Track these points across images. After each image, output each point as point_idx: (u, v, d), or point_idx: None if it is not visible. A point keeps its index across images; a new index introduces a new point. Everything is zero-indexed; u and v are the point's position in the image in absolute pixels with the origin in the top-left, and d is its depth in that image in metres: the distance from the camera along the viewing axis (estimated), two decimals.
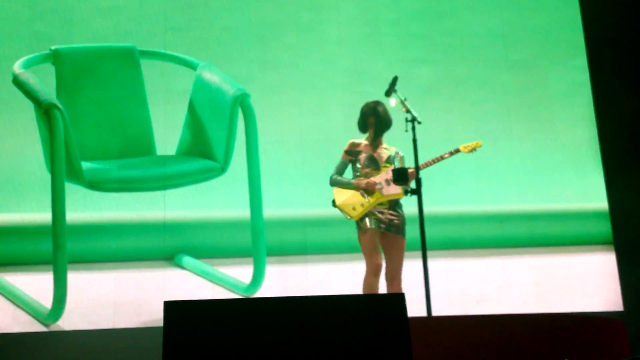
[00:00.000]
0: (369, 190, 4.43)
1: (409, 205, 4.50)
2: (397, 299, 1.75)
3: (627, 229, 5.29)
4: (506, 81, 5.54)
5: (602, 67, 5.51)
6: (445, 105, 5.45)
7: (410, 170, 4.30)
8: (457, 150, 4.59)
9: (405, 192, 4.39)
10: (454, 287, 5.08)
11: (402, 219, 4.47)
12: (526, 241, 5.36)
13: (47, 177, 4.46)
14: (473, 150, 4.61)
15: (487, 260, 5.28)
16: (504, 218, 5.37)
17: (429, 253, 4.22)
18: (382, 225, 4.41)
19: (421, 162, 4.35)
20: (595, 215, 5.38)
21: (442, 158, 4.54)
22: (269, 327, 1.68)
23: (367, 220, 4.43)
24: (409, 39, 5.55)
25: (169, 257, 5.04)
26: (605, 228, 5.32)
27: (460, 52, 5.57)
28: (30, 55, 4.84)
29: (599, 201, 5.36)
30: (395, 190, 4.39)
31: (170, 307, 1.72)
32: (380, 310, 1.73)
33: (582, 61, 5.57)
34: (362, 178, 4.46)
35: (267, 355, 1.66)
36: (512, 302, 5.10)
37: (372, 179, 4.43)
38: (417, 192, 4.28)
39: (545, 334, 3.34)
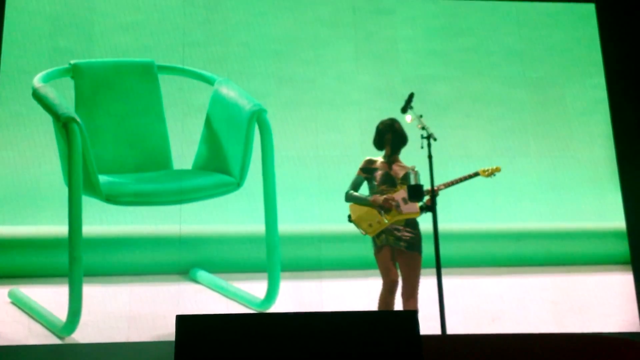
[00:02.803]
0: (386, 208, 4.42)
1: (424, 222, 4.49)
2: (409, 316, 1.74)
3: None
4: (523, 98, 5.52)
5: (620, 85, 5.49)
6: (462, 122, 5.44)
7: (426, 189, 4.30)
8: (476, 174, 4.57)
9: (421, 210, 4.37)
10: (469, 304, 5.04)
11: (419, 236, 4.45)
12: (543, 260, 5.32)
13: (65, 190, 4.48)
14: (492, 175, 4.59)
15: (503, 278, 5.24)
16: (521, 236, 5.34)
17: (444, 270, 4.19)
18: (399, 243, 4.39)
19: (437, 179, 4.34)
20: (613, 234, 5.33)
21: (459, 181, 4.52)
22: (280, 343, 1.67)
23: (383, 237, 4.41)
24: (425, 56, 5.55)
25: (184, 271, 5.05)
26: (623, 247, 5.27)
27: (477, 69, 5.56)
28: (50, 69, 4.89)
29: (617, 220, 5.31)
30: (412, 209, 4.38)
31: (183, 321, 1.72)
32: (392, 327, 1.71)
33: (600, 79, 5.55)
34: (378, 195, 4.45)
35: None
36: (528, 321, 5.05)
37: (390, 196, 4.42)
38: (432, 209, 4.26)
39: (561, 355, 3.31)
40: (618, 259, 5.30)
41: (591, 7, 5.67)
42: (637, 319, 5.11)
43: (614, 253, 5.33)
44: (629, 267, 5.25)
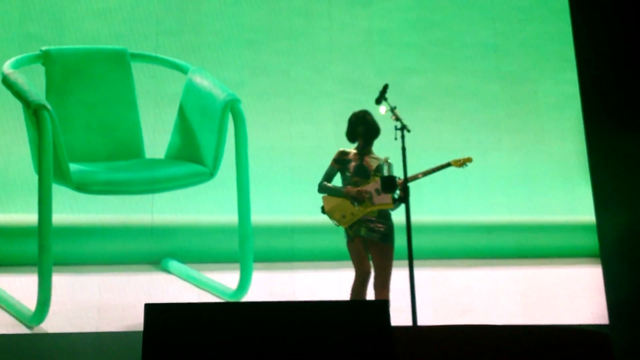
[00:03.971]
0: (359, 199, 4.41)
1: (397, 214, 4.50)
2: (381, 306, 1.74)
3: (614, 242, 5.30)
4: (496, 92, 5.56)
5: (592, 80, 5.54)
6: (435, 115, 5.46)
7: (398, 180, 4.30)
8: (448, 164, 4.58)
9: (394, 201, 4.38)
10: (440, 296, 5.07)
11: (391, 228, 4.45)
12: (513, 252, 5.37)
13: (34, 178, 4.43)
14: (464, 165, 4.60)
15: (474, 270, 5.28)
16: (492, 229, 5.38)
17: (416, 262, 4.21)
18: (371, 234, 4.39)
19: (410, 171, 4.34)
20: (583, 227, 5.39)
21: (432, 171, 4.53)
22: (249, 331, 1.66)
23: (355, 228, 4.41)
24: (400, 49, 5.56)
25: (156, 261, 5.02)
26: (592, 241, 5.33)
27: (451, 62, 5.58)
28: (20, 56, 4.82)
29: (587, 214, 5.37)
30: (385, 200, 4.38)
31: (151, 310, 1.71)
32: (363, 316, 1.72)
33: (572, 74, 5.59)
34: (351, 186, 4.45)
35: (248, 359, 1.65)
36: (498, 313, 5.09)
37: (363, 188, 4.42)
38: (405, 201, 4.27)
39: (530, 346, 3.34)
40: (587, 252, 5.37)
41: (564, 2, 5.71)
42: (605, 311, 5.18)
43: (583, 246, 5.39)
44: (598, 260, 5.31)
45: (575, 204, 5.45)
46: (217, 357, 1.66)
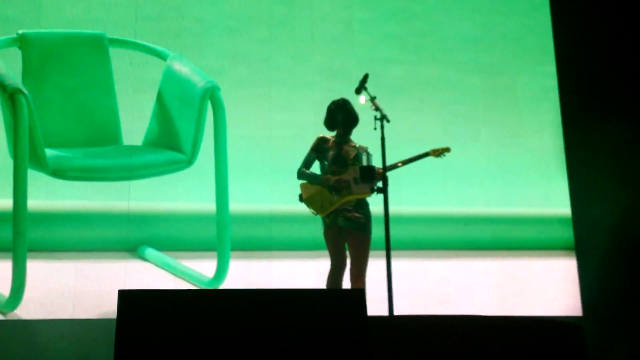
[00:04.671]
0: (337, 188, 4.41)
1: (375, 205, 4.50)
2: (357, 295, 1.74)
3: (589, 236, 5.35)
4: (475, 84, 5.57)
5: (570, 74, 5.57)
6: (415, 106, 5.47)
7: (377, 170, 4.30)
8: (427, 154, 4.60)
9: (372, 191, 4.38)
10: (416, 287, 5.10)
11: (368, 218, 4.46)
12: (489, 244, 5.40)
13: (10, 163, 4.38)
14: (442, 154, 4.62)
15: (450, 261, 5.31)
16: (468, 220, 5.41)
17: (392, 253, 4.22)
18: (348, 223, 4.40)
19: (389, 161, 4.35)
20: (558, 220, 5.43)
21: (410, 160, 4.54)
22: (225, 319, 1.66)
23: (332, 217, 4.41)
24: (381, 39, 5.56)
25: (132, 249, 4.99)
26: (567, 234, 5.38)
27: (431, 53, 5.59)
28: None
29: (563, 207, 5.41)
30: (363, 189, 4.38)
31: (125, 296, 1.70)
32: (340, 305, 1.72)
33: (550, 68, 5.62)
34: (330, 175, 4.45)
35: (222, 346, 1.64)
36: (473, 304, 5.13)
37: (341, 177, 4.42)
38: (384, 191, 4.27)
39: (504, 336, 3.37)
40: (562, 245, 5.41)
41: None
42: (579, 303, 5.23)
43: (558, 239, 5.43)
44: (573, 253, 5.37)
45: (551, 197, 5.49)
46: (192, 345, 1.65)
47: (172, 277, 4.89)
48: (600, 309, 5.14)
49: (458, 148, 5.04)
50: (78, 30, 5.06)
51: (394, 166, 4.44)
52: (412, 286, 5.05)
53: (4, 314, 4.48)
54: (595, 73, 5.54)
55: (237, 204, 4.94)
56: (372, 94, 4.41)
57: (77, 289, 4.68)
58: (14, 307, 4.42)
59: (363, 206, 4.45)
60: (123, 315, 1.66)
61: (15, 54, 4.80)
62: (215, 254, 4.79)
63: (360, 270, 4.38)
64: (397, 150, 4.53)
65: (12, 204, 4.28)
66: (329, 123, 4.60)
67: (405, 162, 4.52)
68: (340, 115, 4.53)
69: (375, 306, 4.10)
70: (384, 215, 4.28)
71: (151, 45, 5.13)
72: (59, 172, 4.53)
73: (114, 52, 5.05)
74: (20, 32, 4.82)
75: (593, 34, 5.58)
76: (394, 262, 4.28)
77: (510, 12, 5.75)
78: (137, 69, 5.14)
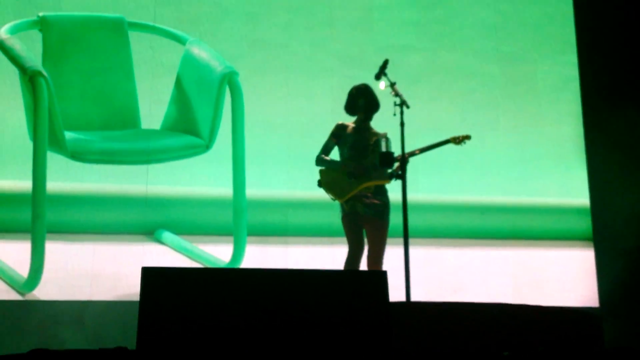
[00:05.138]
0: (355, 174, 4.41)
1: (393, 192, 4.50)
2: (379, 277, 1.74)
3: (607, 227, 5.32)
4: (495, 73, 5.54)
5: (592, 63, 5.52)
6: (433, 94, 5.45)
7: (398, 157, 4.30)
8: (447, 141, 4.59)
9: (391, 177, 4.37)
10: (432, 275, 5.09)
11: (387, 205, 4.45)
12: (506, 233, 5.38)
13: (29, 144, 4.39)
14: (463, 142, 4.61)
15: (467, 250, 5.30)
16: (486, 209, 5.39)
17: (410, 240, 4.21)
18: (367, 210, 4.39)
19: (407, 147, 4.34)
20: (577, 211, 5.41)
21: (431, 147, 4.53)
22: (247, 297, 1.66)
23: (351, 203, 4.41)
24: (400, 26, 5.53)
25: (149, 232, 5.01)
26: (585, 224, 5.35)
27: (451, 41, 5.56)
28: (17, 21, 4.76)
29: (581, 197, 5.38)
30: (382, 175, 4.37)
31: (148, 273, 1.70)
32: (361, 286, 1.72)
33: (572, 57, 5.57)
34: (349, 161, 4.45)
35: (244, 324, 1.65)
36: (489, 293, 5.12)
37: (360, 163, 4.41)
38: (402, 177, 4.27)
39: (520, 324, 3.36)
40: (580, 235, 5.39)
41: None
42: (596, 294, 5.21)
43: (576, 229, 5.41)
44: (590, 243, 5.34)
45: (570, 187, 5.46)
46: (213, 322, 1.66)
47: (188, 260, 4.91)
48: (618, 301, 5.12)
49: (476, 136, 5.00)
50: (98, 14, 5.07)
51: (412, 153, 4.44)
52: (429, 274, 5.05)
53: (22, 294, 4.51)
54: (617, 63, 5.49)
55: (253, 189, 4.95)
56: (392, 80, 4.40)
57: (95, 270, 4.71)
58: (33, 288, 4.45)
59: (382, 193, 4.44)
60: (146, 292, 1.67)
61: (36, 36, 4.81)
62: (231, 238, 4.80)
63: (378, 256, 4.38)
64: (415, 139, 4.52)
65: (31, 185, 4.30)
66: (350, 108, 4.58)
67: (424, 150, 4.51)
68: (362, 100, 4.52)
69: (393, 292, 4.10)
70: (401, 203, 4.28)
71: (170, 29, 5.12)
72: (78, 154, 4.54)
73: (134, 36, 5.06)
74: (40, 14, 4.83)
75: (615, 23, 5.53)
76: (411, 250, 4.28)
77: (532, 0, 5.70)
78: (156, 54, 5.14)
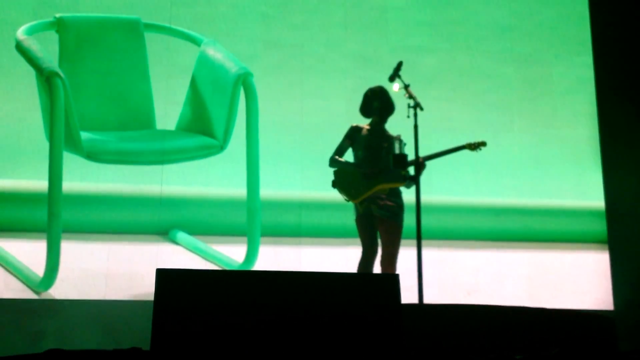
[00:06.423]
0: (371, 175, 4.41)
1: (407, 194, 4.50)
2: (391, 280, 1.75)
3: (622, 229, 5.29)
4: (510, 74, 5.52)
5: (607, 65, 5.50)
6: (448, 95, 5.44)
7: (411, 160, 4.30)
8: (463, 147, 4.59)
9: (404, 179, 4.37)
10: (445, 277, 5.08)
11: (401, 206, 4.45)
12: (521, 235, 5.36)
13: (46, 145, 4.43)
14: (478, 148, 4.61)
15: (480, 252, 5.28)
16: (500, 211, 5.37)
17: (423, 242, 4.21)
18: (381, 211, 4.40)
19: (421, 150, 4.34)
20: (592, 213, 5.38)
21: (446, 152, 4.53)
22: (261, 299, 1.67)
23: (366, 204, 4.42)
24: (414, 27, 5.52)
25: (164, 232, 5.04)
26: (600, 227, 5.33)
27: (465, 42, 5.55)
28: (34, 22, 4.80)
29: (596, 199, 5.35)
30: (396, 177, 4.38)
31: (163, 275, 1.72)
32: (374, 289, 1.72)
33: (587, 58, 5.55)
34: (364, 163, 4.45)
35: (258, 326, 1.66)
36: (502, 295, 5.10)
37: (374, 165, 4.41)
38: (416, 179, 4.27)
39: (534, 327, 3.35)
40: (595, 237, 5.36)
41: None
42: (610, 297, 5.18)
43: (591, 232, 5.38)
44: (605, 246, 5.31)
45: (585, 190, 5.43)
46: (226, 323, 1.67)
47: (202, 260, 4.93)
48: (633, 304, 5.09)
49: (491, 138, 5.00)
50: (114, 15, 5.11)
51: (428, 158, 4.44)
52: (442, 276, 5.04)
53: (38, 293, 4.55)
54: (632, 64, 5.46)
55: (267, 190, 4.96)
56: (406, 82, 4.40)
57: (109, 270, 4.74)
58: (48, 287, 4.49)
59: (396, 195, 4.45)
60: (161, 293, 1.68)
61: (53, 37, 4.85)
62: (245, 239, 4.82)
63: (391, 258, 4.38)
64: (429, 140, 4.52)
65: (47, 185, 4.34)
66: (365, 110, 4.59)
67: (439, 155, 4.51)
68: (377, 103, 4.52)
69: (405, 294, 4.11)
70: (415, 204, 4.28)
71: (186, 30, 5.15)
72: (94, 154, 4.57)
73: (149, 37, 5.09)
74: (57, 15, 4.87)
75: (631, 24, 5.49)
76: (423, 252, 4.28)
77: (547, 1, 5.68)
78: (171, 54, 5.17)
